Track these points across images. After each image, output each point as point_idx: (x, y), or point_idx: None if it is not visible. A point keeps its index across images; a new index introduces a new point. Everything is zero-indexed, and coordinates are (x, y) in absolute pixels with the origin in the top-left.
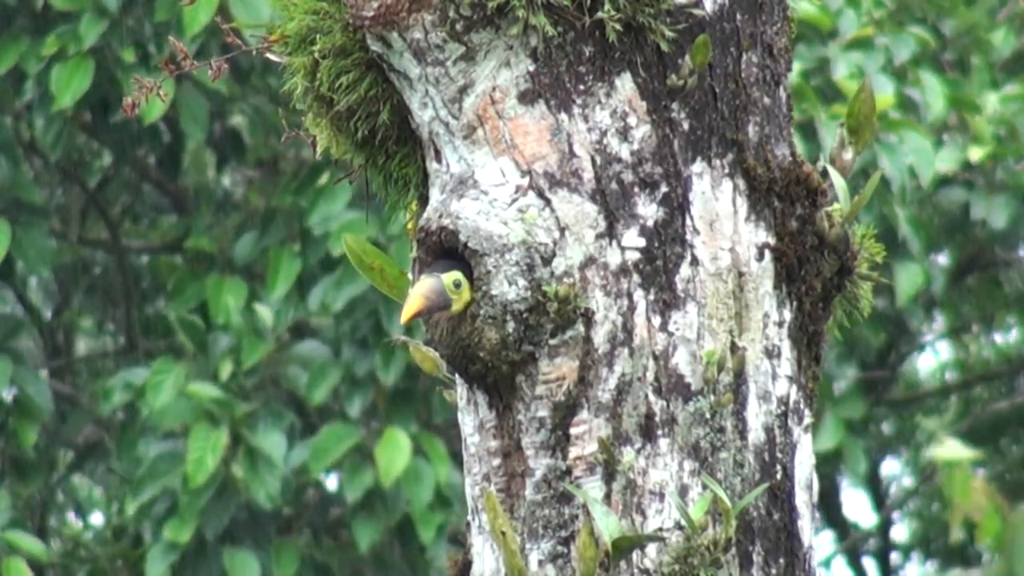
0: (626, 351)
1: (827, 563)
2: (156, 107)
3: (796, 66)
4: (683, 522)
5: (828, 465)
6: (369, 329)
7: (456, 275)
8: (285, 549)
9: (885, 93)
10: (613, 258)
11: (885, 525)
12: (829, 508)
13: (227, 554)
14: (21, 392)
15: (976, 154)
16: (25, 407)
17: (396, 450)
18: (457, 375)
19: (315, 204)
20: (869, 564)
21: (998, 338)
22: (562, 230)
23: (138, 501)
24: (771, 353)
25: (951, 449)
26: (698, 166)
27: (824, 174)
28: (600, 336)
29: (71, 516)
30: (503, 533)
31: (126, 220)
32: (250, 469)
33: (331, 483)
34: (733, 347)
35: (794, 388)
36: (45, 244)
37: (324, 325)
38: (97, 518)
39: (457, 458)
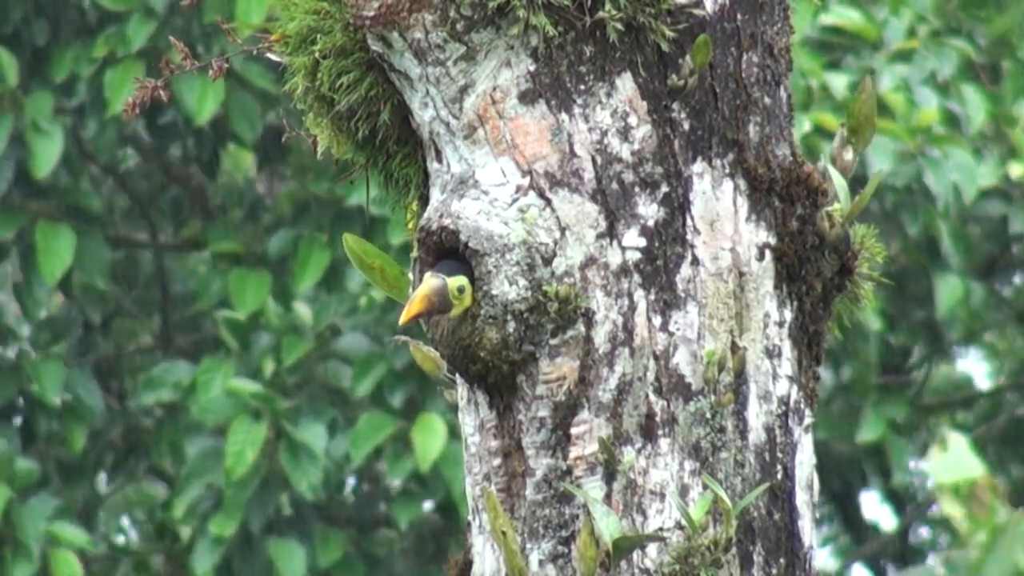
0: (627, 351)
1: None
2: (207, 107)
3: (843, 78)
4: (684, 522)
5: (847, 467)
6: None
7: (461, 281)
8: (330, 539)
9: (929, 107)
10: (614, 258)
11: (905, 528)
12: (847, 510)
13: (273, 545)
14: (72, 395)
15: (1016, 170)
16: (75, 410)
17: (432, 434)
18: (457, 375)
19: (352, 191)
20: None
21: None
22: (563, 230)
23: (185, 500)
24: (772, 353)
25: (955, 445)
26: (699, 166)
27: (825, 174)
28: (601, 336)
29: (124, 520)
30: (503, 533)
31: (161, 220)
32: (292, 461)
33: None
34: (734, 347)
35: (795, 388)
36: (102, 254)
37: (361, 322)
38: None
39: None
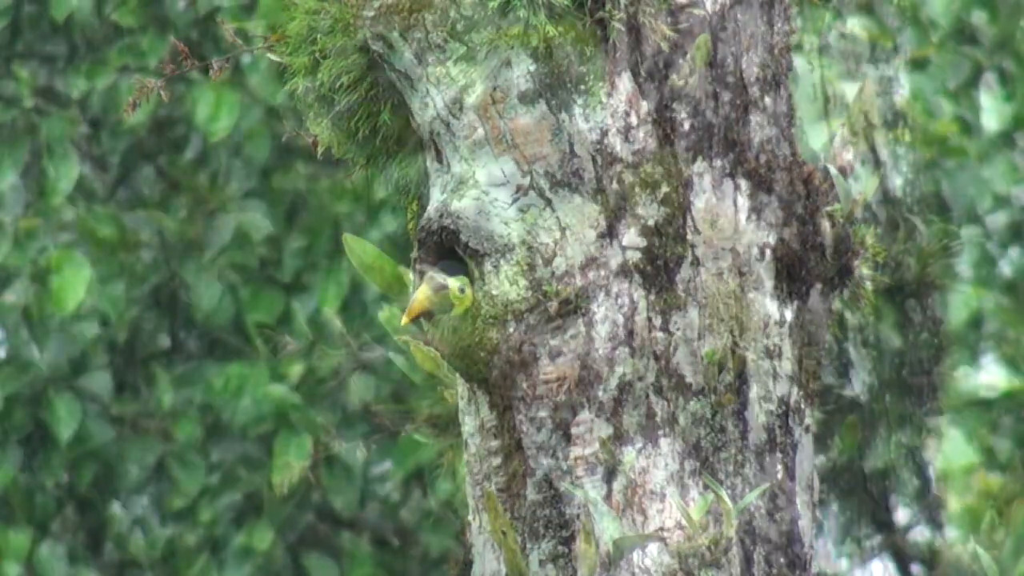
0: (627, 351)
1: None
2: (222, 125)
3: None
4: (684, 522)
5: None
6: None
7: (462, 280)
8: (358, 553)
9: (944, 116)
10: (614, 258)
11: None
12: (876, 510)
13: (307, 559)
14: (83, 431)
15: None
16: (86, 446)
17: None
18: (458, 375)
19: (377, 215)
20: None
21: None
22: (563, 230)
23: (215, 506)
24: (772, 353)
25: (952, 436)
26: (699, 166)
27: (825, 174)
28: (601, 336)
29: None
30: (504, 533)
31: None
32: (330, 475)
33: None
34: (734, 347)
35: (795, 388)
36: (119, 285)
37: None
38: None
39: None
